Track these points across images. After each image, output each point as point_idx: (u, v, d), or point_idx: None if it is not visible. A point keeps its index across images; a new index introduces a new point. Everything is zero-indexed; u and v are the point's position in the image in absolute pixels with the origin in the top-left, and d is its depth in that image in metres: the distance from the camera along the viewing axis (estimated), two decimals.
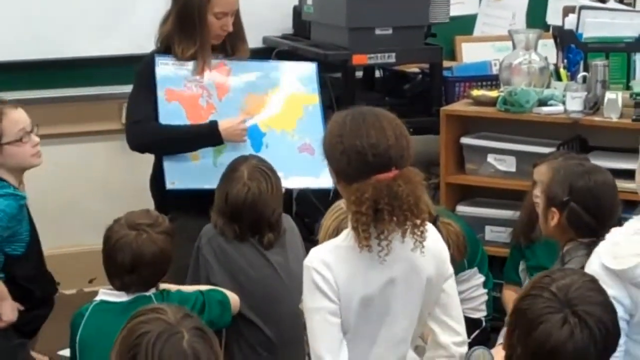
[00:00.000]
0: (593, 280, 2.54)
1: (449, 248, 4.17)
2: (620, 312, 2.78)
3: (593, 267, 2.91)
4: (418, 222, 2.78)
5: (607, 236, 2.98)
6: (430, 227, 3.01)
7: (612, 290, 2.78)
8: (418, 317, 2.99)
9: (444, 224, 4.12)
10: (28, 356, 4.46)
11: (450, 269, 3.20)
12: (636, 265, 2.81)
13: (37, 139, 4.30)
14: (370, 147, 2.78)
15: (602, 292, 2.48)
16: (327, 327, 2.88)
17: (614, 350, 2.44)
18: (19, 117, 4.19)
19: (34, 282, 4.26)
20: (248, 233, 3.98)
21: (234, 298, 3.86)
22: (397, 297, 2.92)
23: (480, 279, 4.46)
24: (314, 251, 2.99)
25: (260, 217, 3.96)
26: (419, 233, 2.80)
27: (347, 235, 2.87)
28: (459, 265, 4.32)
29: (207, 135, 4.47)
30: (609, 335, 2.35)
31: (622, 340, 2.77)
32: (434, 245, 2.99)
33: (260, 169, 4.03)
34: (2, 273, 4.17)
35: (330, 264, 2.84)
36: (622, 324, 2.77)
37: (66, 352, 4.03)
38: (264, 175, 3.99)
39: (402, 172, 2.81)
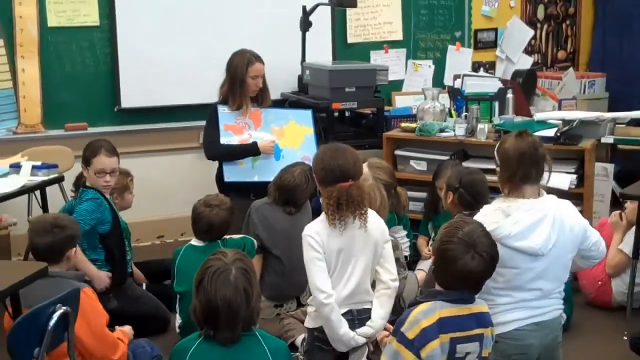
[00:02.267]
0: (483, 228, 2.98)
1: (403, 209, 4.87)
2: None
3: None
4: (362, 211, 3.54)
5: (480, 210, 3.27)
6: (372, 212, 3.71)
7: None
8: (371, 263, 3.65)
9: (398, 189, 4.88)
10: (133, 286, 4.69)
11: (388, 236, 3.74)
12: (495, 228, 3.06)
13: (108, 179, 4.46)
14: (337, 166, 3.56)
15: (489, 236, 2.93)
16: (318, 267, 3.58)
17: (494, 269, 2.91)
18: (104, 161, 4.43)
19: (116, 248, 4.52)
20: (281, 202, 4.56)
21: (255, 243, 4.44)
22: (355, 251, 3.61)
23: (404, 232, 4.97)
24: (308, 226, 3.64)
25: (292, 197, 4.54)
26: (363, 218, 3.56)
27: (323, 218, 3.57)
28: (399, 219, 4.97)
29: (250, 150, 5.23)
30: (494, 260, 2.90)
31: None
32: (378, 223, 3.71)
33: (306, 172, 4.53)
34: (101, 245, 4.44)
35: (317, 232, 3.57)
36: None
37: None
38: (306, 176, 4.52)
39: (356, 182, 3.58)
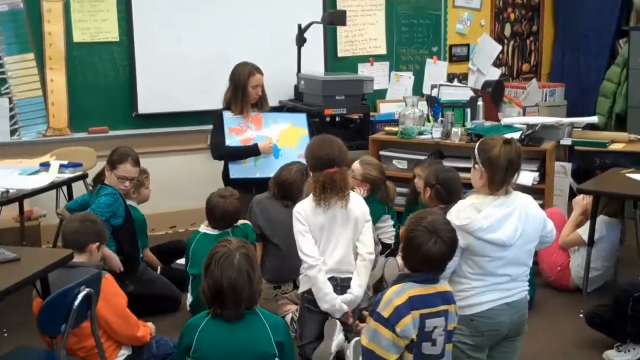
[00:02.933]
0: (444, 217, 2.99)
1: (391, 201, 4.81)
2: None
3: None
4: (344, 194, 3.63)
5: (455, 205, 3.22)
6: (357, 196, 3.81)
7: None
8: (352, 238, 3.75)
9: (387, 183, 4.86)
10: (148, 271, 4.65)
11: (369, 217, 3.82)
12: (468, 223, 3.05)
13: (127, 185, 4.46)
14: (324, 155, 3.65)
15: (449, 223, 2.92)
16: (304, 238, 3.70)
17: (455, 252, 2.92)
18: (128, 169, 4.42)
19: (126, 242, 4.46)
20: (280, 196, 4.53)
21: (253, 230, 4.37)
22: (337, 227, 3.70)
23: (391, 222, 4.88)
24: (297, 204, 3.79)
25: (289, 192, 4.49)
26: (344, 200, 3.65)
27: (311, 197, 3.64)
28: (387, 210, 4.91)
29: (252, 151, 5.21)
30: (454, 244, 2.89)
31: (453, 260, 3.06)
32: (360, 202, 3.79)
33: (301, 170, 4.52)
34: (113, 237, 4.31)
35: (302, 208, 3.68)
36: (457, 253, 3.05)
37: (181, 261, 4.64)
38: (302, 173, 4.50)
39: (340, 169, 3.66)
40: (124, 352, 3.49)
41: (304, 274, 3.75)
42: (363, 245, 3.78)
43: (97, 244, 3.59)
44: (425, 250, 2.79)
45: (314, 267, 3.66)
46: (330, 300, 3.68)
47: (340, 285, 3.74)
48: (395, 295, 2.78)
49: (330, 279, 3.71)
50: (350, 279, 3.75)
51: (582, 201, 4.91)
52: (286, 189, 4.51)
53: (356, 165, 4.63)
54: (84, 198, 4.62)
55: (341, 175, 3.66)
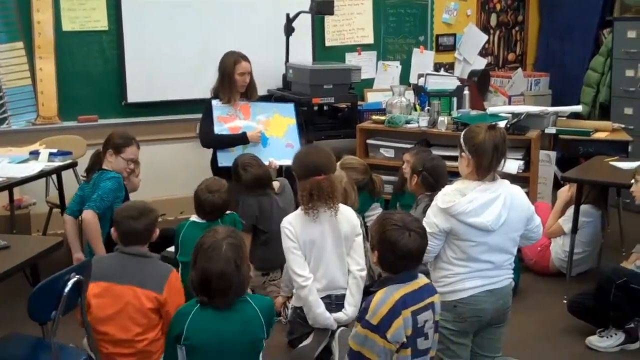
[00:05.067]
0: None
1: (378, 194, 4.80)
2: (437, 229, 3.14)
3: (434, 205, 3.20)
4: (333, 203, 3.55)
5: (441, 190, 3.25)
6: (347, 208, 3.71)
7: (438, 219, 3.14)
8: (344, 253, 3.67)
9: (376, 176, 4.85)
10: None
11: (359, 230, 3.73)
12: (451, 205, 3.09)
13: (132, 166, 4.50)
14: (311, 163, 3.60)
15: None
16: (294, 255, 3.61)
17: (427, 244, 2.91)
18: (135, 151, 4.49)
19: None
20: (260, 192, 4.55)
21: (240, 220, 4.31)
22: (328, 240, 3.61)
23: (380, 209, 4.89)
24: (285, 218, 3.64)
25: (262, 184, 4.58)
26: (333, 209, 3.56)
27: (300, 209, 3.57)
28: (375, 201, 4.93)
29: (240, 139, 5.19)
30: (425, 238, 2.88)
31: (436, 244, 3.15)
32: (350, 216, 3.71)
33: (251, 161, 4.63)
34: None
35: (292, 223, 3.58)
36: (441, 236, 3.14)
37: (171, 249, 4.49)
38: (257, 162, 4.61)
39: (328, 176, 3.59)
40: None
41: (295, 292, 3.71)
42: (354, 261, 3.71)
43: (157, 230, 3.50)
44: (402, 245, 2.78)
45: (304, 288, 3.59)
46: (322, 320, 3.63)
47: (335, 302, 3.69)
48: (382, 303, 2.78)
49: (324, 297, 3.65)
50: (344, 295, 3.69)
51: (567, 192, 4.95)
52: (260, 182, 4.61)
53: (338, 170, 4.50)
54: (78, 195, 4.51)
55: (329, 182, 3.60)
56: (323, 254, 3.62)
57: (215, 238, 2.78)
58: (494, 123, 3.24)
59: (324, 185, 3.57)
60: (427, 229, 2.99)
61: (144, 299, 3.18)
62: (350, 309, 3.65)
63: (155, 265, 3.30)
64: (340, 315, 3.63)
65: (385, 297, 2.76)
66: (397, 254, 2.78)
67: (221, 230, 2.85)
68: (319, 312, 3.58)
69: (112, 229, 3.42)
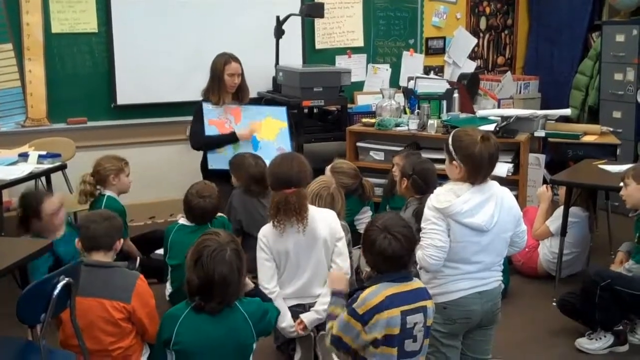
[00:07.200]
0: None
1: (368, 198, 4.78)
2: (439, 228, 3.10)
3: (428, 206, 3.15)
4: (300, 217, 3.46)
5: (434, 191, 3.18)
6: (329, 212, 3.65)
7: (435, 218, 3.10)
8: (324, 260, 3.58)
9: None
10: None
11: (341, 233, 3.64)
12: (447, 206, 3.06)
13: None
14: (282, 174, 3.51)
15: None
16: (264, 267, 3.55)
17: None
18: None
19: None
20: (255, 193, 4.59)
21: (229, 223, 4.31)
22: (303, 251, 3.55)
23: (370, 213, 4.90)
24: (262, 228, 3.57)
25: (261, 186, 4.53)
26: (302, 223, 3.48)
27: (271, 221, 3.47)
28: (366, 204, 4.93)
29: (230, 139, 5.22)
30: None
31: (446, 240, 3.08)
32: (330, 220, 3.63)
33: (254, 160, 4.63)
34: None
35: (264, 235, 3.53)
36: (444, 235, 3.08)
37: (160, 251, 4.54)
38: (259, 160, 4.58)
39: (297, 190, 3.48)
40: (146, 352, 3.45)
41: None
42: (337, 267, 3.62)
43: (121, 239, 3.47)
44: (378, 247, 2.79)
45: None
46: (287, 333, 3.62)
47: (309, 310, 3.63)
48: (372, 296, 2.79)
49: (296, 305, 3.60)
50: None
51: (547, 192, 4.98)
52: (259, 183, 4.57)
53: (327, 174, 4.52)
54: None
55: (297, 197, 3.49)
56: (299, 262, 3.57)
57: (218, 242, 2.76)
58: (484, 132, 3.24)
59: (291, 200, 3.47)
60: (432, 229, 3.06)
61: (112, 310, 3.15)
62: (320, 307, 3.57)
63: (121, 275, 3.26)
64: (310, 314, 3.58)
65: (377, 291, 2.78)
66: (375, 254, 2.82)
67: (222, 234, 2.84)
68: (284, 326, 3.55)
69: (77, 240, 3.40)
